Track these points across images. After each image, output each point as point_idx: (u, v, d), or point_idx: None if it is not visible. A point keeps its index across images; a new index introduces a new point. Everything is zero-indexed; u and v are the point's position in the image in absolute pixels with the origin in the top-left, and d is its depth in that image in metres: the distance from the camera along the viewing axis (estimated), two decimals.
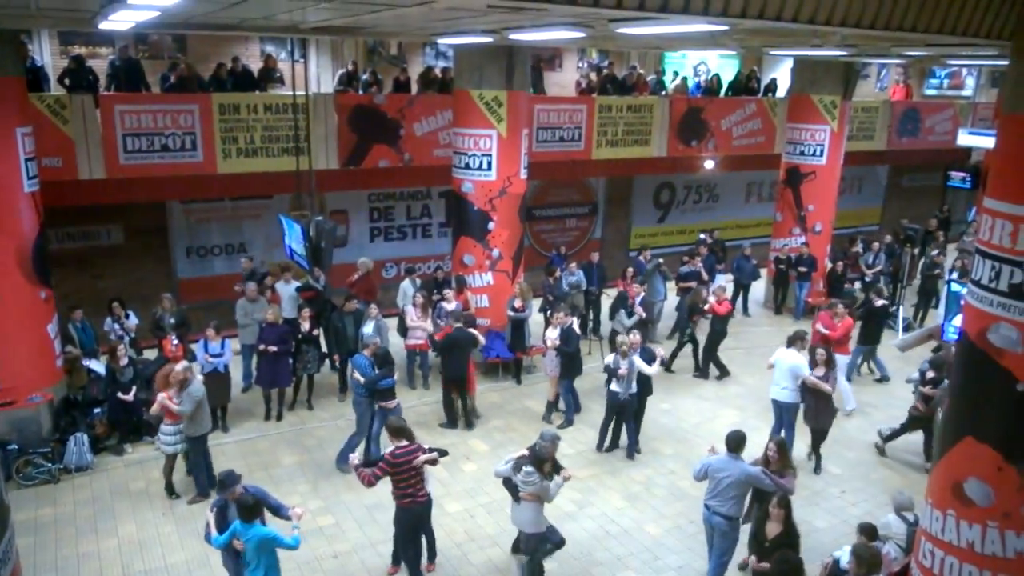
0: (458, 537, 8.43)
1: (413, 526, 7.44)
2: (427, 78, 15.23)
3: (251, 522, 6.33)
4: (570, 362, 10.89)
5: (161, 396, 8.61)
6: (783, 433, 9.63)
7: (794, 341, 9.97)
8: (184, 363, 8.87)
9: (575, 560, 8.06)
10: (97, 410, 10.08)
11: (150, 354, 11.25)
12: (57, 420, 9.86)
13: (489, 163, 11.86)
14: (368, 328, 10.95)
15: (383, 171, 14.04)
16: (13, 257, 9.35)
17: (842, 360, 11.49)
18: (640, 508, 9.09)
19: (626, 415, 10.11)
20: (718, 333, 12.69)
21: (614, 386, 9.94)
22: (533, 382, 12.46)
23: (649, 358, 10.03)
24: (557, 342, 10.68)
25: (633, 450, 10.24)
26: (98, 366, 10.45)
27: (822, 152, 15.44)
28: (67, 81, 11.88)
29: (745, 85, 18.36)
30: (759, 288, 16.69)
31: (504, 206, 12.11)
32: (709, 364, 12.89)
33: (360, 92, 14.45)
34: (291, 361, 10.96)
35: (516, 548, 7.98)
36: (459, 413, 10.91)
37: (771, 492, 7.19)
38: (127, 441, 10.10)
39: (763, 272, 16.62)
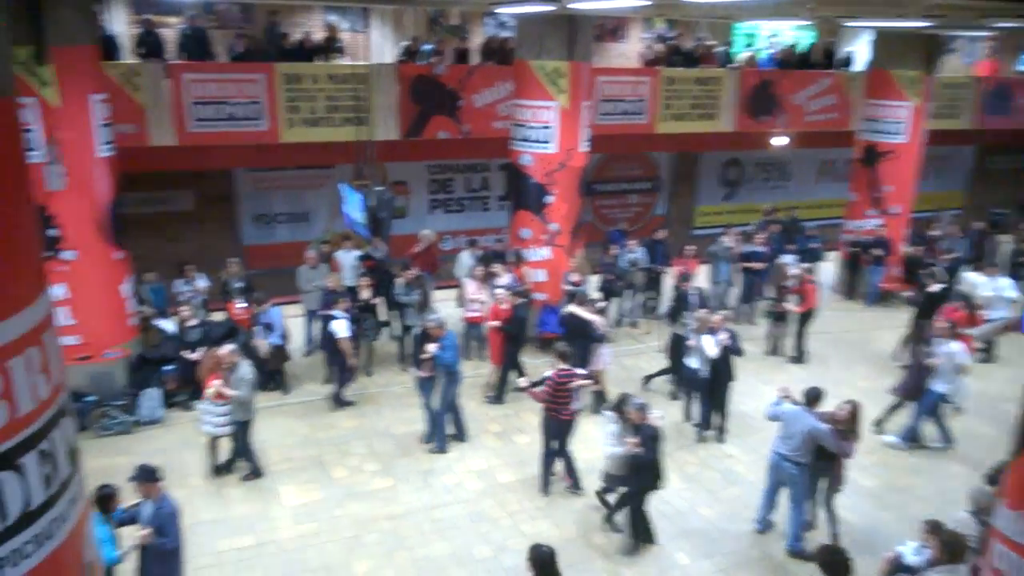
0: (512, 507, 8.48)
1: (550, 436, 8.62)
2: (488, 48, 15.07)
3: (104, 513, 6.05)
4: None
5: (217, 384, 8.46)
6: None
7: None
8: (231, 346, 8.77)
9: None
10: (169, 367, 10.42)
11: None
12: (132, 375, 10.26)
13: (549, 136, 11.71)
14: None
15: (442, 142, 14.00)
16: (89, 218, 9.62)
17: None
18: (694, 490, 8.95)
19: (704, 392, 9.95)
20: (808, 315, 12.29)
21: (694, 362, 9.81)
22: None
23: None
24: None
25: (722, 433, 10.06)
26: (169, 325, 10.78)
27: (902, 130, 14.82)
28: (142, 50, 12.10)
29: (816, 58, 17.62)
30: (827, 272, 16.00)
31: (563, 179, 11.94)
32: (803, 347, 12.54)
33: (420, 63, 14.42)
34: None
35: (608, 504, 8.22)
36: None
37: (832, 452, 7.40)
38: (196, 398, 10.14)
39: (830, 255, 16.01)
